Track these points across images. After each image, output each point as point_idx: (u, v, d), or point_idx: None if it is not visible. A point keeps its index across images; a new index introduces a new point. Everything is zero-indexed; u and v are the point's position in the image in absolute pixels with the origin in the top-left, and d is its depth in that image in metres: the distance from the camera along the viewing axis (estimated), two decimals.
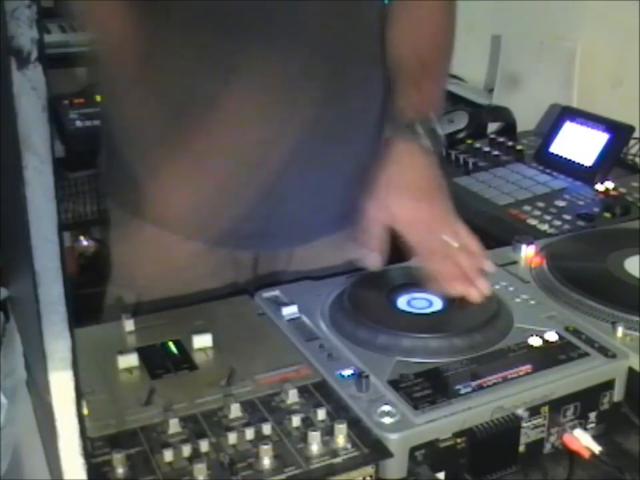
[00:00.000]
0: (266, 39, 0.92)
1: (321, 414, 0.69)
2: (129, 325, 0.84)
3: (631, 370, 0.78)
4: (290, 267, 1.07)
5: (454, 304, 0.86)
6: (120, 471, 0.63)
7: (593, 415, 0.78)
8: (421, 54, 0.99)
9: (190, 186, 1.00)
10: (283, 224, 1.03)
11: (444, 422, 0.69)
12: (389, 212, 0.91)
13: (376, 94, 1.03)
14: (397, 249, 0.93)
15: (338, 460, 0.64)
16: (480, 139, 1.68)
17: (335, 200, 1.04)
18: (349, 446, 0.66)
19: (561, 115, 1.61)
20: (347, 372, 0.75)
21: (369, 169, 1.02)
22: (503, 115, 1.77)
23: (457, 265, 0.87)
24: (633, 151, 1.61)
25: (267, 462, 0.63)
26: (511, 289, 0.92)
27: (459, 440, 0.70)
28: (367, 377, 0.73)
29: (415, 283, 0.89)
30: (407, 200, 0.91)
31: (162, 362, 0.78)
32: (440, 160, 0.96)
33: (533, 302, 0.89)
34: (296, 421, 0.68)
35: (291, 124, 0.97)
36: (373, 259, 0.91)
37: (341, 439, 0.66)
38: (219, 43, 0.92)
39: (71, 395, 0.48)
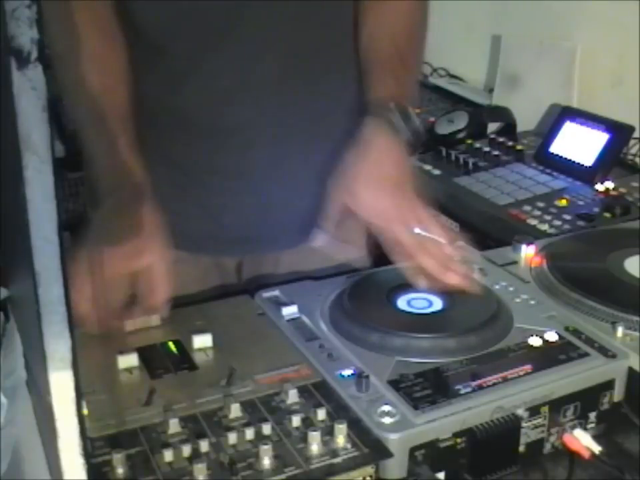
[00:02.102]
0: (237, 46, 0.92)
1: (321, 414, 0.69)
2: (129, 325, 0.84)
3: (631, 370, 0.78)
4: (276, 271, 1.07)
5: (454, 304, 0.86)
6: (120, 470, 0.63)
7: (592, 415, 0.78)
8: (397, 44, 0.98)
9: (169, 195, 1.00)
10: (266, 229, 1.03)
11: (444, 422, 0.69)
12: (351, 199, 0.89)
13: (356, 91, 1.03)
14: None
15: (338, 460, 0.64)
16: (480, 139, 1.68)
17: (317, 203, 1.04)
18: (348, 446, 0.66)
19: (561, 115, 1.61)
20: (347, 372, 0.75)
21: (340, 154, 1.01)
22: (503, 115, 1.77)
23: (431, 256, 0.86)
24: (633, 151, 1.61)
25: (266, 462, 0.63)
26: (511, 289, 0.92)
27: (459, 440, 0.70)
28: (367, 377, 0.73)
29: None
30: (371, 189, 0.89)
31: (162, 362, 0.78)
32: (412, 148, 0.94)
33: (533, 302, 0.89)
34: (296, 420, 0.68)
35: (269, 129, 0.97)
36: (338, 248, 0.90)
37: (340, 438, 0.66)
38: (189, 53, 0.93)
39: (71, 395, 0.48)
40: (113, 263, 0.83)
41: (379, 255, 1.04)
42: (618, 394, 0.79)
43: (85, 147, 0.90)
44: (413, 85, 1.02)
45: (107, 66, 0.91)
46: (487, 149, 1.63)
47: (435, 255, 0.86)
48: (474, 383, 0.73)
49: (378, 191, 0.89)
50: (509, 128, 1.75)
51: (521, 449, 0.74)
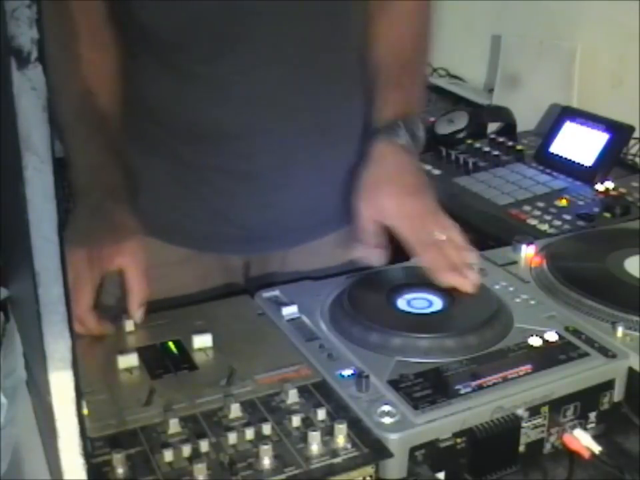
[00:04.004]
0: (247, 52, 0.92)
1: (321, 414, 0.69)
2: (129, 325, 0.84)
3: (631, 370, 0.78)
4: (283, 269, 1.07)
5: (454, 304, 0.86)
6: (120, 470, 0.63)
7: (592, 415, 0.78)
8: (399, 53, 1.00)
9: (176, 194, 1.01)
10: (271, 229, 1.04)
11: (444, 422, 0.69)
12: (379, 208, 0.91)
13: (360, 96, 1.03)
14: (397, 249, 0.93)
15: (338, 460, 0.64)
16: (480, 138, 1.68)
17: (323, 203, 1.04)
18: (349, 446, 0.66)
19: (560, 115, 1.61)
20: (347, 372, 0.75)
21: (356, 171, 1.02)
22: (503, 114, 1.77)
23: (445, 256, 0.88)
24: (633, 151, 1.61)
25: (266, 462, 0.63)
26: (511, 289, 0.92)
27: (459, 440, 0.70)
28: (367, 377, 0.73)
29: (414, 282, 0.89)
30: (394, 195, 0.92)
31: (162, 362, 0.78)
32: (419, 158, 0.98)
33: (532, 302, 0.89)
34: (296, 420, 0.68)
35: (277, 130, 0.97)
36: (376, 256, 0.92)
37: (341, 439, 0.66)
38: (199, 59, 0.93)
39: (71, 394, 0.48)
40: (85, 265, 0.83)
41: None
42: (618, 394, 0.79)
43: (65, 148, 0.91)
44: (417, 92, 1.04)
45: (93, 70, 0.92)
46: (487, 148, 1.63)
47: (453, 258, 0.88)
48: (474, 383, 0.73)
49: (401, 197, 0.92)
50: (509, 128, 1.75)
51: (521, 449, 0.74)
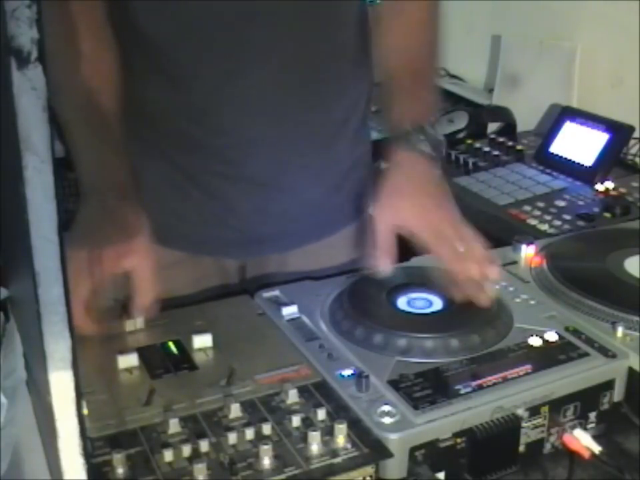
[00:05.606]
0: (239, 57, 0.92)
1: (321, 414, 0.69)
2: (129, 324, 0.84)
3: (631, 370, 0.78)
4: (280, 271, 1.07)
5: (454, 304, 0.86)
6: (120, 470, 0.63)
7: (592, 415, 0.78)
8: (412, 63, 0.98)
9: (172, 197, 1.01)
10: (267, 232, 1.04)
11: (444, 422, 0.69)
12: (398, 216, 0.90)
13: (355, 99, 1.03)
14: (398, 249, 0.93)
15: (338, 460, 0.64)
16: (480, 139, 1.68)
17: (319, 206, 1.04)
18: (349, 446, 0.66)
19: (561, 115, 1.61)
20: (347, 372, 0.75)
21: (350, 175, 1.02)
22: (503, 115, 1.77)
23: (466, 269, 0.86)
24: (633, 151, 1.61)
25: (266, 462, 0.63)
26: (511, 289, 0.92)
27: (459, 440, 0.70)
28: (366, 377, 0.73)
29: (414, 282, 0.89)
30: (415, 204, 0.90)
31: (162, 362, 0.78)
32: (442, 164, 0.95)
33: (532, 302, 0.89)
34: (296, 420, 0.68)
35: (271, 134, 0.97)
36: (384, 264, 0.90)
37: (341, 438, 0.66)
38: (191, 63, 0.93)
39: (71, 395, 0.48)
40: (96, 266, 0.83)
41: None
42: (618, 394, 0.79)
43: (70, 147, 0.91)
44: (431, 98, 1.02)
45: (96, 68, 0.91)
46: (487, 148, 1.63)
47: (474, 274, 0.86)
48: (474, 383, 0.73)
49: (423, 207, 0.90)
50: (509, 128, 1.75)
51: (521, 449, 0.74)
